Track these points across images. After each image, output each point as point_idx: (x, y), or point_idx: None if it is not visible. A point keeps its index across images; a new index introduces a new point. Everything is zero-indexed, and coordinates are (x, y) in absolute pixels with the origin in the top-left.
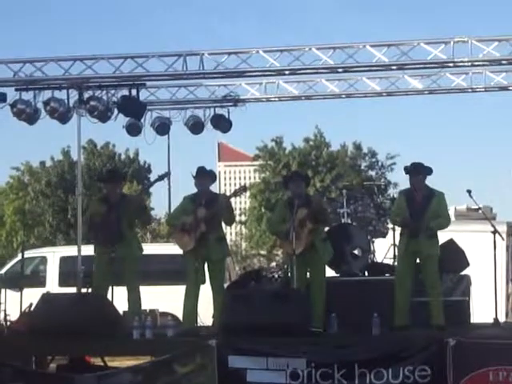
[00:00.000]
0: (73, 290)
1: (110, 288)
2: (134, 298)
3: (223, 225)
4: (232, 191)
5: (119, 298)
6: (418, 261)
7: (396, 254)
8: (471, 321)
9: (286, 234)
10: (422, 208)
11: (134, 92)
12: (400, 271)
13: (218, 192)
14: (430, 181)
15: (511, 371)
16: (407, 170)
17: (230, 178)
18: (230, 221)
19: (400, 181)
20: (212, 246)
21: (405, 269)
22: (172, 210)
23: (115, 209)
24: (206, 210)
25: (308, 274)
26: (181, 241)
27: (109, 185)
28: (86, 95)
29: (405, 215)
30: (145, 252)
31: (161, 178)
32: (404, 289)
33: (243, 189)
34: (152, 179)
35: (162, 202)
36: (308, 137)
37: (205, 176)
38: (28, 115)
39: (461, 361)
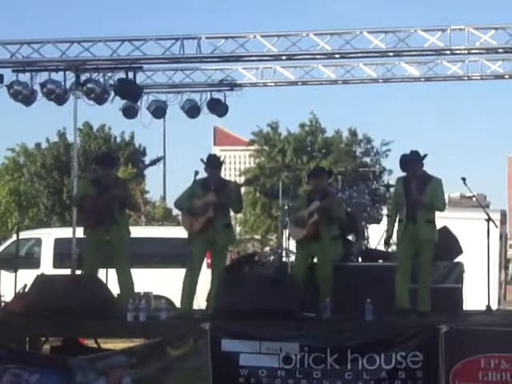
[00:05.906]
0: (67, 271)
1: (105, 271)
2: (125, 281)
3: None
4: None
5: (113, 280)
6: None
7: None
8: (464, 308)
9: (297, 220)
10: (418, 193)
11: (130, 75)
12: (400, 255)
13: (228, 179)
14: (424, 168)
15: (503, 358)
16: (405, 159)
17: (225, 163)
18: (239, 209)
19: (395, 167)
20: (218, 232)
21: (404, 253)
22: (181, 193)
23: (106, 192)
24: (215, 195)
25: (316, 261)
26: (187, 223)
27: (103, 168)
28: (83, 77)
29: (402, 202)
30: (139, 235)
31: (153, 162)
32: (403, 273)
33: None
34: (147, 163)
35: (157, 185)
36: (303, 122)
37: (216, 164)
38: (24, 96)
39: (453, 347)
